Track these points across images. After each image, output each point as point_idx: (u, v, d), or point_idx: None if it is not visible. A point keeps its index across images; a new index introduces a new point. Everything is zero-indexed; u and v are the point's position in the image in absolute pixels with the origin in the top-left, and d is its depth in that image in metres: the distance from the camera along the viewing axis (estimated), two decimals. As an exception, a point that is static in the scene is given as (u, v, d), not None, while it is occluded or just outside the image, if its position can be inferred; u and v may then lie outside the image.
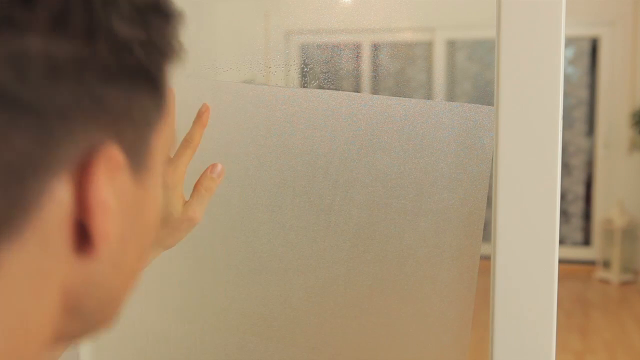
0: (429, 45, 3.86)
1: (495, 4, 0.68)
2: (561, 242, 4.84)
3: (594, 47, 4.97)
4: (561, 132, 0.69)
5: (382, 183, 0.74)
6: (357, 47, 0.79)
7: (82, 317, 0.33)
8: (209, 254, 0.79)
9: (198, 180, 0.67)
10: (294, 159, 0.75)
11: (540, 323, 0.70)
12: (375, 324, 0.76)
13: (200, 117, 0.69)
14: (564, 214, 5.11)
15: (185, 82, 0.79)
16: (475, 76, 4.49)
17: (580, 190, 5.12)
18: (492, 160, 0.71)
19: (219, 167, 0.68)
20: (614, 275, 4.68)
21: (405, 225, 0.74)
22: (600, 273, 4.80)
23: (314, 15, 0.77)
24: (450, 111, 0.72)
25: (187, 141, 0.68)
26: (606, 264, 4.80)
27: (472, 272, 0.73)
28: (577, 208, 5.13)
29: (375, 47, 0.80)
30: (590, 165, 5.06)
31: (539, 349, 0.70)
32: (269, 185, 0.76)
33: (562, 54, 0.67)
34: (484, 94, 0.74)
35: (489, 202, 0.72)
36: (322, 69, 0.77)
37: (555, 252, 0.70)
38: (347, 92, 0.75)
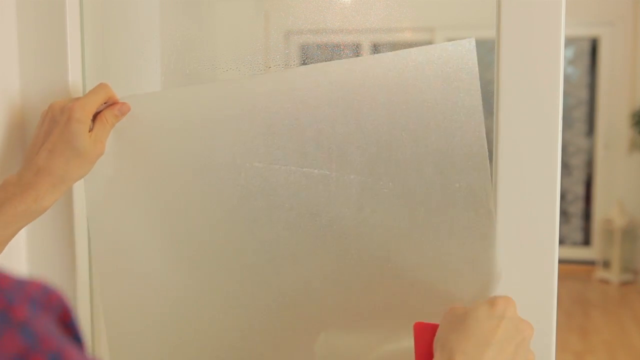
0: (429, 45, 3.85)
1: (495, 4, 0.68)
2: (561, 242, 4.84)
3: (593, 47, 4.97)
4: (561, 132, 0.69)
5: (376, 138, 0.72)
6: (357, 47, 0.79)
7: None
8: (214, 252, 0.78)
9: (101, 113, 0.72)
10: (282, 139, 0.74)
11: (540, 323, 0.70)
12: (400, 283, 0.74)
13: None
14: (564, 214, 5.11)
15: (168, 93, 0.78)
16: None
17: (580, 190, 5.12)
18: (494, 168, 0.71)
19: (127, 108, 0.74)
20: (613, 275, 4.68)
21: (408, 175, 0.72)
22: (600, 273, 4.80)
23: (314, 15, 0.77)
24: (430, 54, 0.71)
25: (103, 86, 0.72)
26: (606, 264, 4.80)
27: (486, 201, 0.71)
28: (577, 208, 5.13)
29: (375, 47, 0.80)
30: (590, 165, 5.06)
31: (539, 349, 0.70)
32: (260, 170, 0.75)
33: (562, 54, 0.68)
34: (484, 94, 0.74)
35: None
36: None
37: (555, 252, 0.70)
38: (324, 63, 0.73)
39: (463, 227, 0.72)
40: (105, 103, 0.73)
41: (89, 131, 0.70)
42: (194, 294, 0.80)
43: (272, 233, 0.76)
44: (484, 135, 0.70)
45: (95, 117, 0.72)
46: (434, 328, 0.67)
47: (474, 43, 0.70)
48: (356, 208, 0.73)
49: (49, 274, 0.79)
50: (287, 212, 0.75)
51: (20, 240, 0.78)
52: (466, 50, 0.70)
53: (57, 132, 0.69)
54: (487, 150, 0.70)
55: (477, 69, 0.69)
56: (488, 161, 0.70)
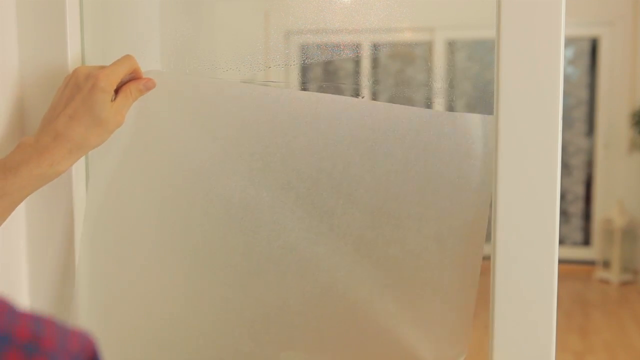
0: (429, 45, 3.86)
1: (495, 4, 0.68)
2: (561, 242, 4.84)
3: (593, 47, 4.97)
4: (561, 132, 0.69)
5: (385, 188, 0.74)
6: (357, 47, 0.79)
7: None
8: (207, 254, 0.79)
9: (126, 85, 0.72)
10: (298, 161, 0.75)
11: (540, 323, 0.70)
12: (375, 328, 0.76)
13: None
14: (564, 214, 5.11)
15: (191, 82, 0.78)
16: (475, 76, 4.49)
17: (580, 190, 5.12)
18: (494, 168, 0.71)
19: (152, 83, 0.73)
20: (613, 275, 4.68)
21: (407, 231, 0.74)
22: (600, 273, 4.80)
23: (314, 15, 0.77)
24: (452, 120, 0.72)
25: (129, 58, 0.72)
26: (606, 264, 4.80)
27: (473, 277, 0.73)
28: (577, 208, 5.13)
29: (375, 47, 0.80)
30: (590, 165, 5.06)
31: (539, 349, 0.70)
32: (272, 186, 0.76)
33: (562, 54, 0.67)
34: (484, 94, 0.74)
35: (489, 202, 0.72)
36: (322, 69, 0.77)
37: (555, 252, 0.70)
38: (351, 98, 0.75)
39: (446, 293, 0.75)
40: (130, 75, 0.72)
41: (111, 101, 0.70)
42: (183, 292, 0.80)
43: (268, 247, 0.76)
44: (487, 216, 0.72)
45: (118, 88, 0.71)
46: None
47: (493, 119, 0.71)
48: (353, 247, 0.75)
49: (49, 272, 0.79)
50: (288, 233, 0.76)
51: (21, 239, 0.78)
52: (486, 126, 0.71)
53: (79, 99, 0.68)
54: (486, 227, 0.72)
55: (493, 147, 0.71)
56: (485, 238, 0.72)
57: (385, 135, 0.73)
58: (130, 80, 0.72)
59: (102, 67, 0.70)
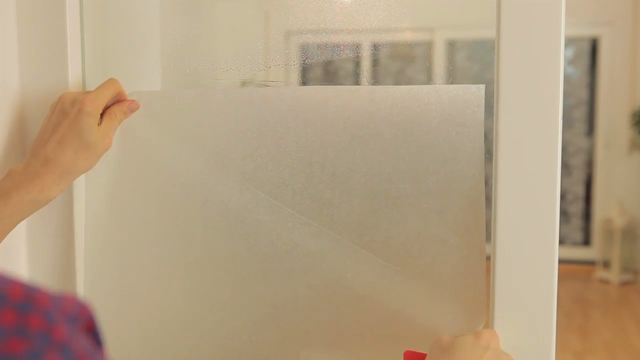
0: (429, 45, 3.86)
1: (495, 4, 0.68)
2: (561, 242, 4.84)
3: (593, 47, 4.97)
4: (561, 132, 0.69)
5: (378, 170, 0.74)
6: (357, 47, 0.79)
7: None
8: (211, 261, 0.79)
9: (111, 108, 0.73)
10: (289, 157, 0.75)
11: (540, 323, 0.70)
12: (389, 311, 0.76)
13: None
14: (564, 214, 5.11)
15: (172, 97, 0.78)
16: (475, 76, 4.49)
17: (580, 190, 5.12)
18: (494, 168, 0.71)
19: (136, 105, 0.75)
20: (613, 275, 4.68)
21: (407, 209, 0.74)
22: (600, 273, 4.80)
23: (314, 15, 0.77)
24: (438, 93, 0.72)
25: (114, 82, 0.73)
26: (606, 264, 4.80)
27: (479, 244, 0.73)
28: (577, 208, 5.13)
29: (375, 47, 0.80)
30: (590, 165, 5.06)
31: (539, 349, 0.70)
32: (267, 186, 0.76)
33: (562, 54, 0.68)
34: (485, 93, 0.74)
35: (489, 202, 0.72)
36: (322, 69, 0.77)
37: (555, 252, 0.70)
38: (333, 86, 0.75)
39: (455, 263, 0.74)
40: (114, 98, 0.73)
41: (98, 125, 0.71)
42: (186, 299, 0.80)
43: (271, 247, 0.77)
44: (483, 181, 0.72)
45: (103, 111, 0.72)
46: (423, 357, 0.69)
47: (483, 90, 0.71)
48: (356, 234, 0.75)
49: (49, 273, 0.79)
50: (290, 230, 0.76)
51: (21, 240, 0.78)
52: (474, 97, 0.71)
53: (66, 124, 0.69)
54: (484, 194, 0.72)
55: (482, 117, 0.71)
56: (484, 204, 0.72)
57: (371, 117, 0.73)
58: (114, 104, 0.73)
59: (87, 92, 0.71)
